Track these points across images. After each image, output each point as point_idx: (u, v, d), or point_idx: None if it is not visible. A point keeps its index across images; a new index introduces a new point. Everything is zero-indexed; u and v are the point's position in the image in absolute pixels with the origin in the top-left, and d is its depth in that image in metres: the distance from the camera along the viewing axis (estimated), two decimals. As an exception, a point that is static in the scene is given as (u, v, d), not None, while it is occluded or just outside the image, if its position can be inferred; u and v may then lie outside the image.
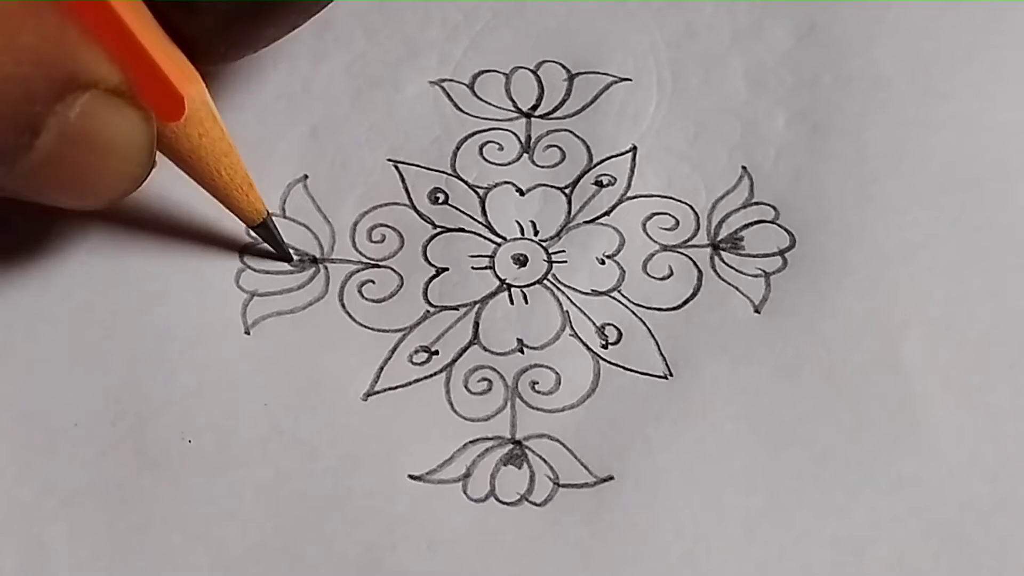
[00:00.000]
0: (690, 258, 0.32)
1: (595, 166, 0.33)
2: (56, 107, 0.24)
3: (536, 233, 0.32)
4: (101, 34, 0.25)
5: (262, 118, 0.33)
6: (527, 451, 0.29)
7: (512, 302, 0.31)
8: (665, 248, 0.32)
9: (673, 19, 0.35)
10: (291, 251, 0.32)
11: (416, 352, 0.30)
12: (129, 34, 0.26)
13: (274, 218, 0.32)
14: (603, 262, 0.32)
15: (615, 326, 0.31)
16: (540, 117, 0.34)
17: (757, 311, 0.31)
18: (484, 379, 0.30)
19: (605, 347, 0.31)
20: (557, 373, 0.30)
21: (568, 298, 0.31)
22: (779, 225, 0.32)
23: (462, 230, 0.32)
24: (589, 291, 0.31)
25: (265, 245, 0.32)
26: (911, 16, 0.35)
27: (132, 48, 0.27)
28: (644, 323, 0.31)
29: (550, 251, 0.32)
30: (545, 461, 0.29)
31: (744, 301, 0.31)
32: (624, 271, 0.32)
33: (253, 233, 0.32)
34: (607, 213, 0.33)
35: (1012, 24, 0.35)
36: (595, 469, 0.29)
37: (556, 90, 0.35)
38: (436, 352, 0.30)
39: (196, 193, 0.30)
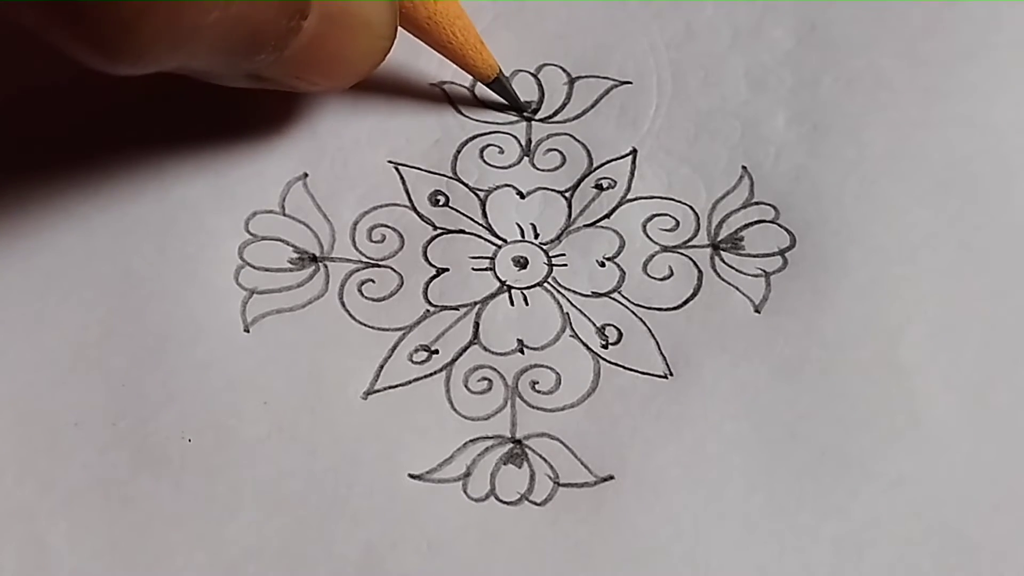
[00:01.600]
0: (690, 258, 0.32)
1: (595, 169, 0.33)
2: None
3: (536, 236, 0.32)
4: None
5: (262, 114, 0.33)
6: (527, 450, 0.29)
7: (512, 303, 0.31)
8: (665, 249, 0.32)
9: (673, 20, 0.35)
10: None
11: (416, 351, 0.30)
12: None
13: (273, 215, 0.32)
14: (603, 264, 0.32)
15: (615, 326, 0.31)
16: (541, 121, 0.34)
17: (757, 311, 0.31)
18: (484, 378, 0.30)
19: (605, 347, 0.30)
20: (557, 373, 0.30)
21: (568, 300, 0.31)
22: (779, 225, 0.32)
23: (462, 232, 0.32)
24: (589, 293, 0.31)
25: (265, 241, 0.32)
26: (911, 16, 0.35)
27: None
28: (644, 323, 0.31)
29: (550, 254, 0.32)
30: (545, 460, 0.29)
31: (744, 301, 0.31)
32: (624, 272, 0.32)
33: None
34: (607, 216, 0.33)
35: (1012, 24, 0.35)
36: (595, 468, 0.29)
37: (557, 93, 0.35)
38: (436, 351, 0.30)
39: (195, 192, 0.30)
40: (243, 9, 0.25)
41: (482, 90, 0.34)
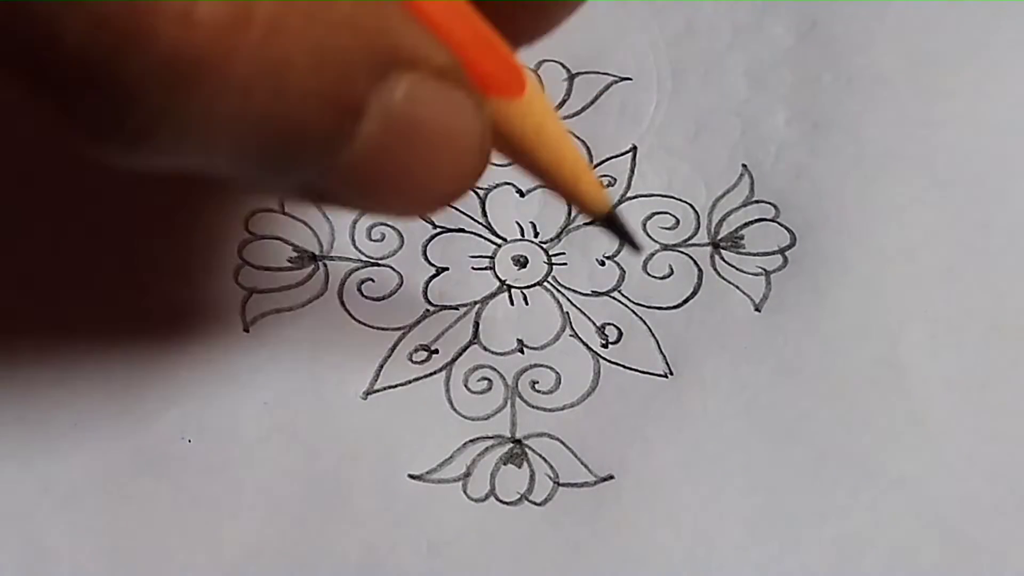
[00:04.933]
0: (690, 257, 0.32)
1: (595, 167, 0.33)
2: (378, 86, 0.21)
3: (536, 235, 0.32)
4: (427, 11, 0.22)
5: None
6: (527, 450, 0.29)
7: (512, 303, 0.31)
8: (665, 247, 0.32)
9: (673, 17, 0.35)
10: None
11: (416, 351, 0.30)
12: (460, 6, 0.23)
13: (272, 214, 0.32)
14: (603, 263, 0.32)
15: (615, 325, 0.31)
16: (540, 117, 0.34)
17: (757, 310, 0.31)
18: (484, 378, 0.30)
19: (605, 346, 0.30)
20: (557, 372, 0.30)
21: (568, 300, 0.31)
22: (779, 223, 0.32)
23: (462, 231, 0.32)
24: (589, 292, 0.31)
25: (264, 240, 0.32)
26: (911, 15, 0.35)
27: (462, 16, 0.23)
28: (644, 322, 0.31)
29: (550, 253, 0.32)
30: (545, 460, 0.29)
31: (744, 300, 0.31)
32: (624, 271, 0.32)
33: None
34: (607, 213, 0.33)
35: (1012, 24, 0.35)
36: (595, 468, 0.29)
37: (556, 90, 0.35)
38: (436, 351, 0.30)
39: (194, 191, 0.30)
40: (269, 101, 0.19)
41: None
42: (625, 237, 0.26)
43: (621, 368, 0.30)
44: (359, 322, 0.31)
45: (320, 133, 0.20)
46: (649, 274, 0.32)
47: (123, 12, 0.18)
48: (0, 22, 0.18)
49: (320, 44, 0.20)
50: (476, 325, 0.31)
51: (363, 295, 0.31)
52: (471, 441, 0.29)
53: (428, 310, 0.31)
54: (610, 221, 0.26)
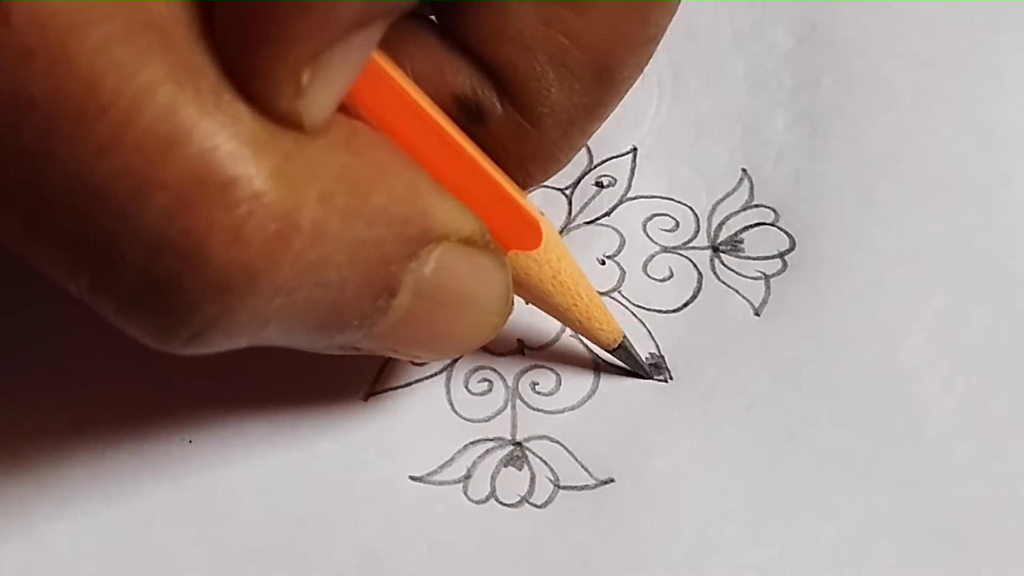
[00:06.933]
0: (690, 260, 0.32)
1: (596, 167, 0.33)
2: (411, 265, 0.23)
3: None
4: (453, 179, 0.24)
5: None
6: (527, 452, 0.29)
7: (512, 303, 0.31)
8: (665, 249, 0.32)
9: (673, 20, 0.35)
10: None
11: (417, 352, 0.30)
12: (483, 172, 0.25)
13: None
14: (603, 263, 0.32)
15: (615, 327, 0.31)
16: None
17: (757, 314, 0.31)
18: (484, 380, 0.30)
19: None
20: (557, 374, 0.30)
21: (568, 299, 0.31)
22: (779, 227, 0.32)
23: (462, 230, 0.32)
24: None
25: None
26: (911, 18, 0.35)
27: (486, 185, 0.25)
28: (644, 325, 0.31)
29: (550, 252, 0.32)
30: (545, 463, 0.29)
31: (744, 304, 0.31)
32: (624, 272, 0.32)
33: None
34: (607, 214, 0.33)
35: (1012, 24, 0.35)
36: (595, 471, 0.29)
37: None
38: (436, 352, 0.31)
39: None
40: (312, 294, 0.21)
41: None
42: (635, 365, 0.30)
43: (621, 372, 0.30)
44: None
45: (358, 312, 0.22)
46: (649, 276, 0.32)
47: (178, 237, 0.19)
48: (65, 240, 0.20)
49: (357, 239, 0.21)
50: (476, 326, 0.31)
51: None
52: (472, 443, 0.29)
53: (428, 311, 0.31)
54: (621, 351, 0.29)
